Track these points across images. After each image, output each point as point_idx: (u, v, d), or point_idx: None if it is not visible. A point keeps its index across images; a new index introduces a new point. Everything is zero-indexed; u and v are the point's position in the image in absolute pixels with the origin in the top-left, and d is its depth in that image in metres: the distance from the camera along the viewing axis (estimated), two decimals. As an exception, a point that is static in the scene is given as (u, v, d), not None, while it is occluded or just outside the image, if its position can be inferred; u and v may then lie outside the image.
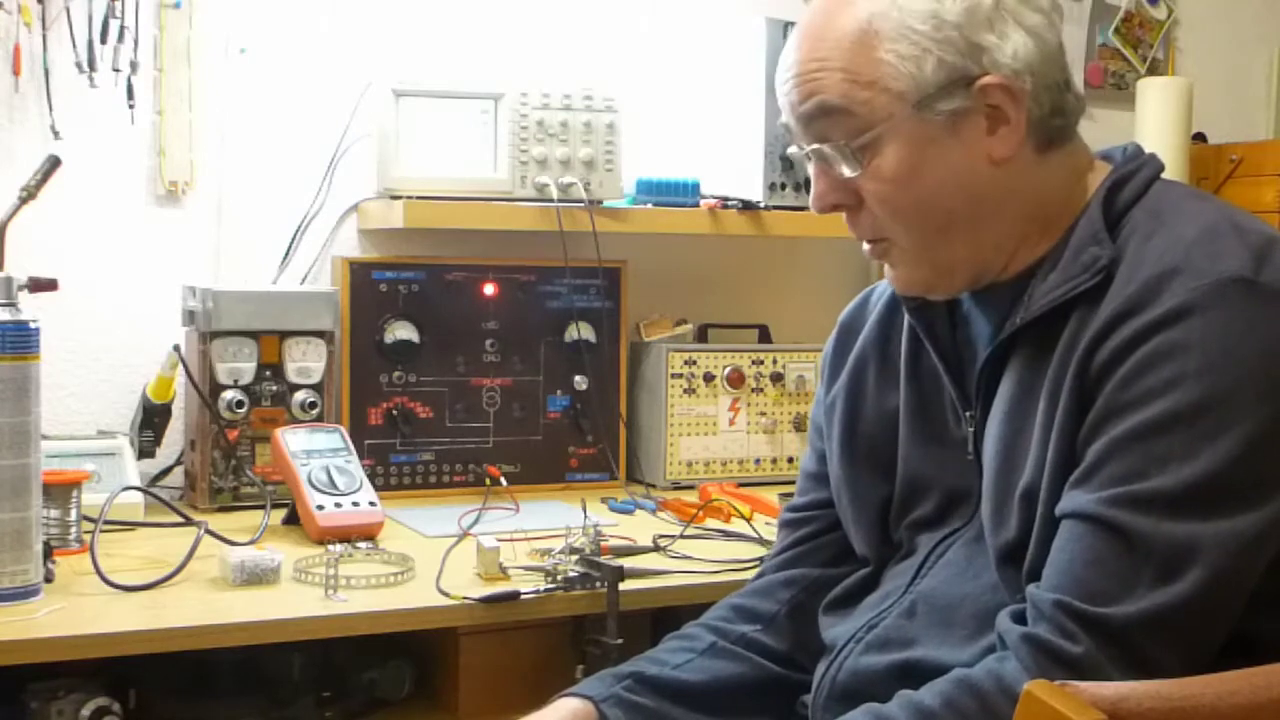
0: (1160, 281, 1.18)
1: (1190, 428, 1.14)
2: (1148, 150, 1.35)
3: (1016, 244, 1.31)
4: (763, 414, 2.49)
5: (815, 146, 1.31)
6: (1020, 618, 1.19)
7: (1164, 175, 1.32)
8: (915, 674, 1.26)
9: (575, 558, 1.72)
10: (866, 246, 1.36)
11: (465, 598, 1.64)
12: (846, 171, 1.30)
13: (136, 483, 2.03)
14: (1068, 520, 1.19)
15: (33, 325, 1.58)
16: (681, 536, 1.96)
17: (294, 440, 2.01)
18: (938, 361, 1.38)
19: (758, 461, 2.49)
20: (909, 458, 1.41)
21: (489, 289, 2.35)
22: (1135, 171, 1.31)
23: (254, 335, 2.14)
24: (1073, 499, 1.19)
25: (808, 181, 2.46)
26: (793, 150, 1.39)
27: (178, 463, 2.25)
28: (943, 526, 1.38)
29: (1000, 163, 1.28)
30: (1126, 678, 1.11)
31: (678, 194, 2.42)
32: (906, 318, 1.43)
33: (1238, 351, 1.15)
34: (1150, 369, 1.16)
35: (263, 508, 1.98)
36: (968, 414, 1.35)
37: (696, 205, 2.43)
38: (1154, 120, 2.78)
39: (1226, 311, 1.15)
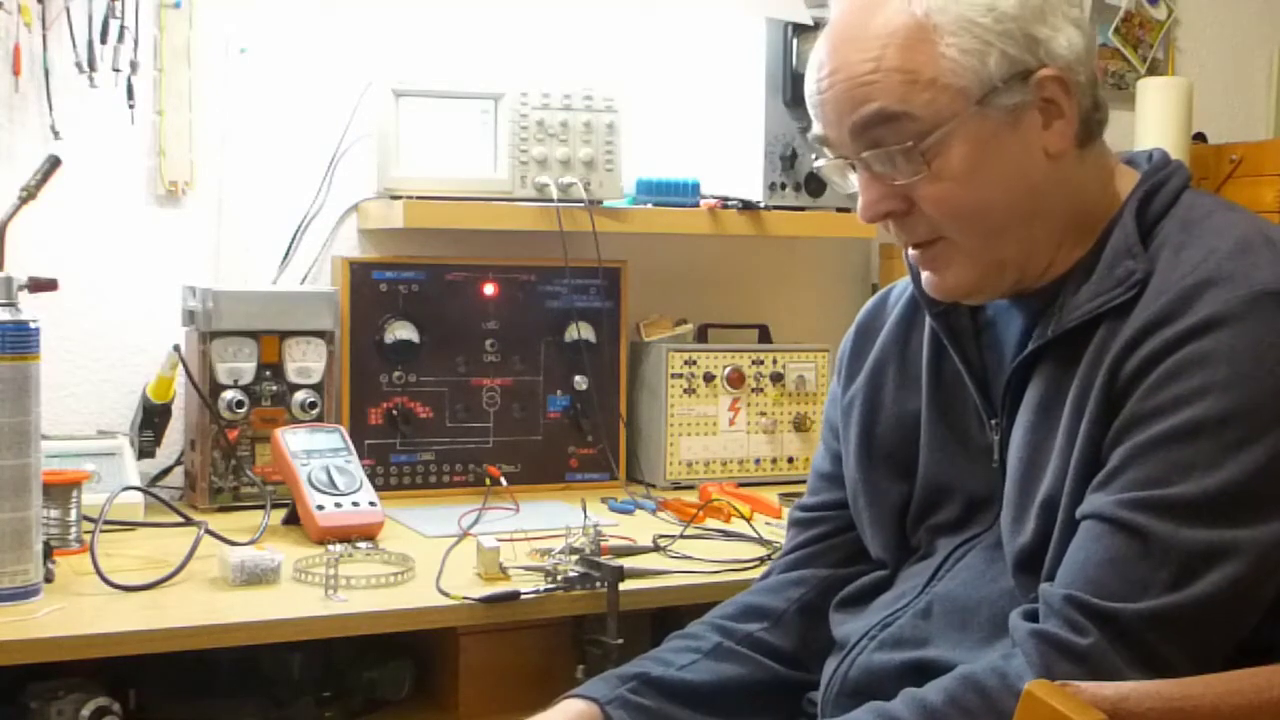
0: (1194, 292, 1.17)
1: (1215, 437, 1.14)
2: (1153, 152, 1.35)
3: (1057, 247, 1.29)
4: (763, 414, 2.49)
5: (871, 153, 1.26)
6: (1032, 616, 1.18)
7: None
8: (928, 674, 1.25)
9: (575, 558, 1.71)
10: (913, 252, 1.32)
11: (465, 598, 1.64)
12: (906, 176, 1.25)
13: (136, 483, 2.03)
14: (1086, 521, 1.18)
15: (33, 325, 1.58)
16: (681, 536, 1.96)
17: (294, 440, 2.01)
18: (962, 368, 1.37)
19: (758, 461, 2.49)
20: (930, 462, 1.40)
21: (489, 289, 2.34)
22: (1165, 181, 1.30)
23: (254, 335, 2.14)
24: (1093, 501, 1.18)
25: (808, 181, 2.50)
26: (822, 164, 1.32)
27: (178, 463, 2.25)
28: (963, 531, 1.37)
29: (1055, 157, 1.26)
30: (1133, 674, 1.11)
31: (678, 194, 2.42)
32: (928, 321, 1.41)
33: (1266, 364, 1.14)
34: (1178, 377, 1.16)
35: (263, 508, 1.98)
36: (993, 421, 1.34)
37: (696, 205, 2.43)
38: (1154, 120, 2.78)
39: (1258, 324, 1.15)
